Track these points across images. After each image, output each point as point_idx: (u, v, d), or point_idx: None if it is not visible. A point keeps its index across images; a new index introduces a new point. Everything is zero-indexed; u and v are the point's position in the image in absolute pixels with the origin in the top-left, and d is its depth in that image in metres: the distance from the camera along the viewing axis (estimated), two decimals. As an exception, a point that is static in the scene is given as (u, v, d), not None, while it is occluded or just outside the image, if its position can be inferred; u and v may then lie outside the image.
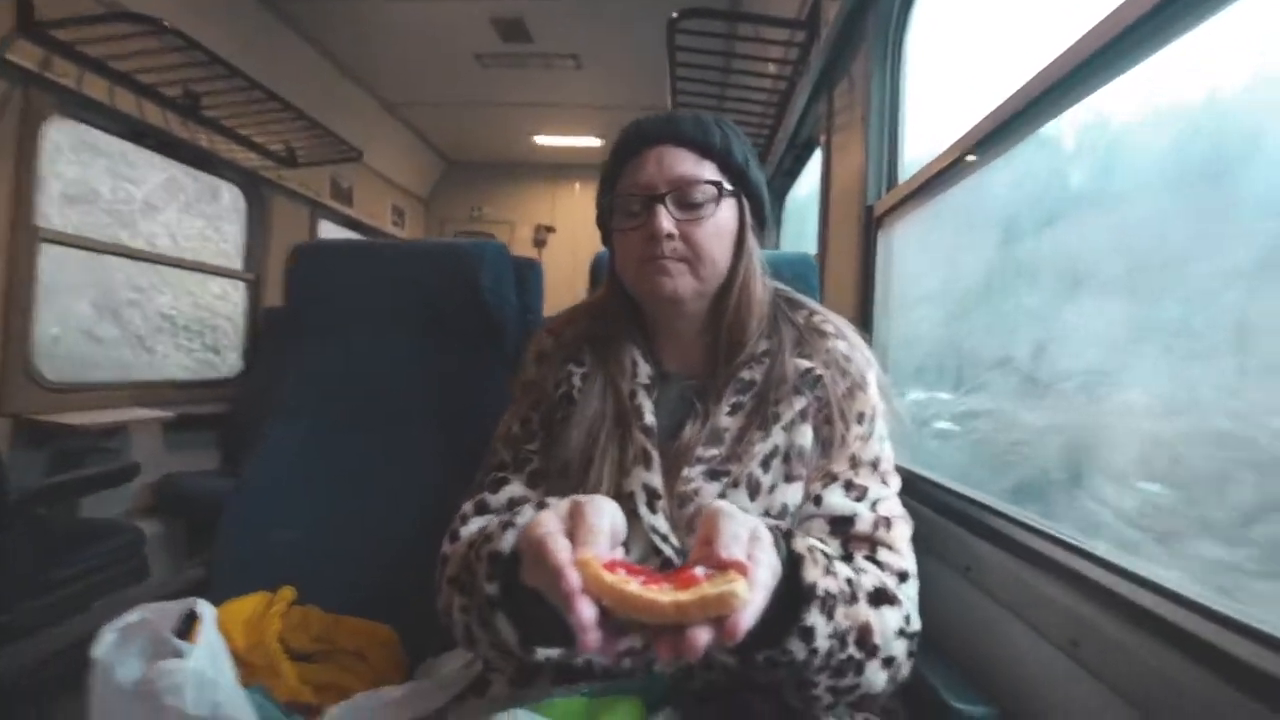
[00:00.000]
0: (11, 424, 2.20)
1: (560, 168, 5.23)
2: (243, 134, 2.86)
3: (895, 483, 0.78)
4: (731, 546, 0.50)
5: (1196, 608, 0.57)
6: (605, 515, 0.53)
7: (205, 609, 0.71)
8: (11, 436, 2.20)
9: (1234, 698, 0.51)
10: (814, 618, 0.56)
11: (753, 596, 0.47)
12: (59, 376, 2.41)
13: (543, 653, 0.60)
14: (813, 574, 0.57)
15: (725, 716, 0.72)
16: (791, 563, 0.57)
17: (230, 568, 1.14)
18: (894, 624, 0.65)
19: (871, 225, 1.47)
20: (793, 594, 0.56)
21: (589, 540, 0.50)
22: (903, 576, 0.70)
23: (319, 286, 1.24)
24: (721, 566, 0.48)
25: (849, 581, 0.61)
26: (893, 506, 0.75)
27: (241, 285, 3.32)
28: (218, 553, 1.15)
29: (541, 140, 4.74)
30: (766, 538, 0.53)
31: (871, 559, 0.70)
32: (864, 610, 0.62)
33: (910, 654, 0.67)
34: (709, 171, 0.79)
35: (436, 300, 1.21)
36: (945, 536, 0.98)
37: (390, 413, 1.19)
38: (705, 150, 0.79)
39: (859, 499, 0.73)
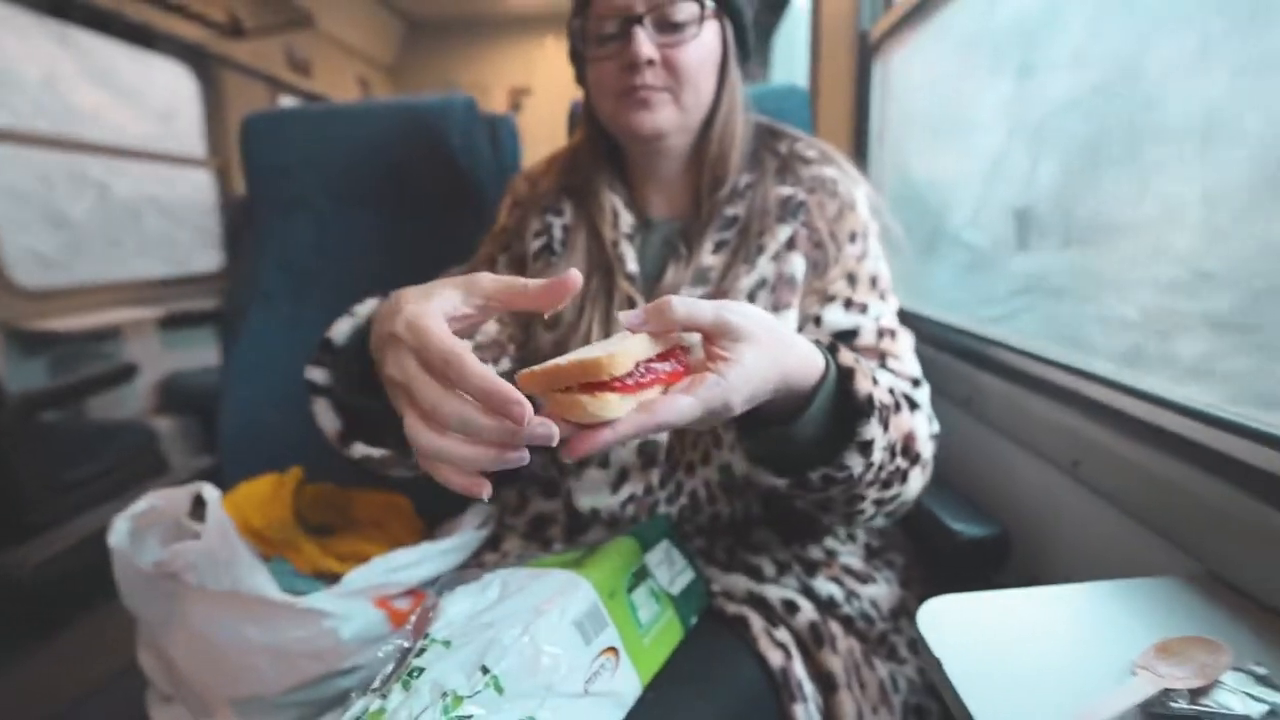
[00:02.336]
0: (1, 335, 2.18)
1: (531, 22, 4.83)
2: (175, 3, 2.60)
3: (894, 301, 0.76)
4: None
5: (1192, 413, 0.57)
6: None
7: (210, 492, 0.71)
8: (3, 347, 2.18)
9: (1228, 494, 0.51)
10: (873, 430, 0.53)
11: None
12: (38, 283, 2.35)
13: (361, 450, 0.58)
14: (865, 385, 0.53)
15: (732, 548, 0.75)
16: (841, 376, 0.54)
17: (237, 456, 1.15)
18: (924, 428, 0.66)
19: (867, 52, 1.36)
20: (844, 408, 0.54)
21: None
22: (915, 382, 0.70)
23: (278, 160, 1.16)
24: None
25: (890, 391, 0.60)
26: (892, 319, 0.74)
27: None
28: (223, 443, 1.16)
29: (507, -10, 4.33)
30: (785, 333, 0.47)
31: (884, 368, 0.70)
32: (907, 418, 0.61)
33: (933, 455, 0.68)
34: None
35: (405, 164, 1.13)
36: (946, 370, 0.98)
37: (369, 287, 1.15)
38: None
39: (861, 313, 0.72)
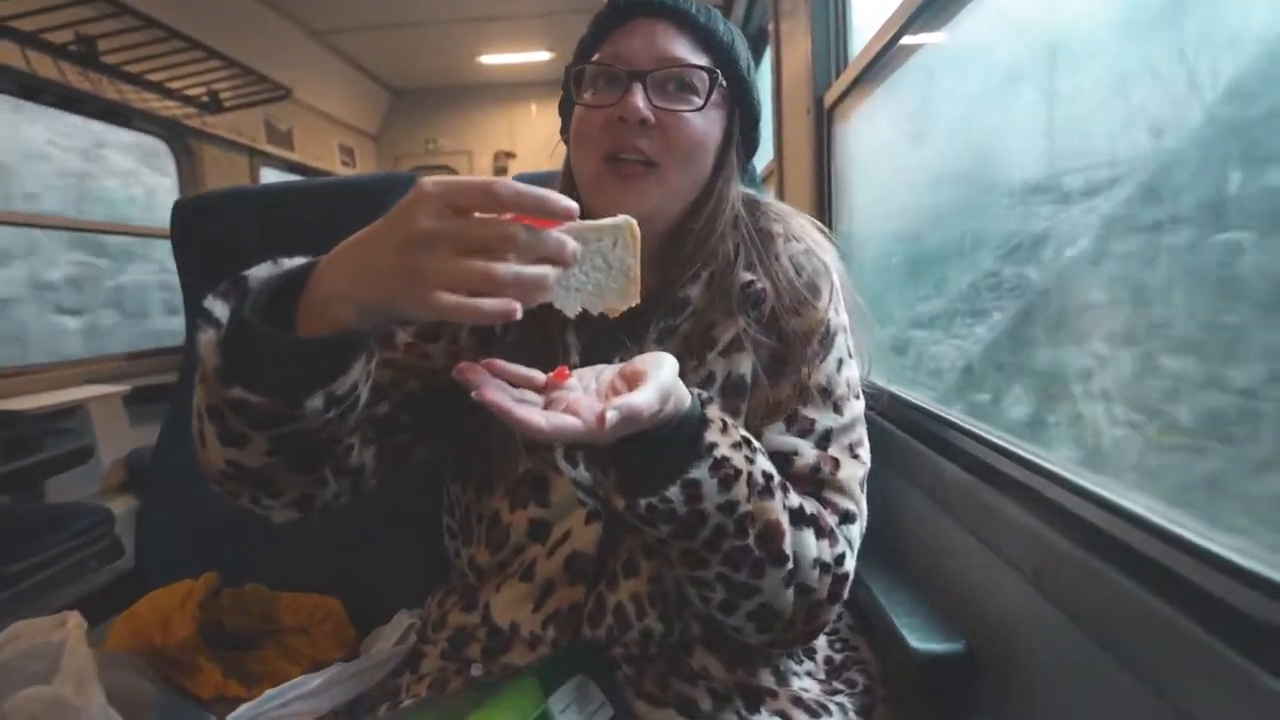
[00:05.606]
0: (-46, 417, 2.11)
1: (513, 88, 4.93)
2: (154, 80, 2.63)
3: (853, 408, 0.68)
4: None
5: (1159, 533, 0.50)
6: None
7: (74, 626, 0.64)
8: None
9: (1199, 636, 0.43)
10: (701, 473, 0.52)
11: None
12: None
13: (236, 392, 0.49)
14: (713, 436, 0.53)
15: (665, 678, 0.66)
16: (700, 424, 0.53)
17: (158, 553, 1.07)
18: (814, 551, 0.58)
19: (823, 118, 1.34)
20: (692, 454, 0.53)
21: None
22: (845, 517, 0.63)
23: (210, 249, 1.11)
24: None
25: (765, 475, 0.56)
26: (846, 438, 0.66)
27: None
28: (142, 538, 1.08)
29: (488, 60, 4.43)
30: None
31: (813, 497, 0.63)
32: (776, 510, 0.55)
33: (834, 596, 0.60)
34: (705, 60, 0.66)
35: (343, 245, 1.08)
36: (911, 454, 0.92)
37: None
38: (707, 40, 0.67)
39: (803, 434, 0.65)
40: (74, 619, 0.65)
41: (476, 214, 0.43)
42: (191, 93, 2.83)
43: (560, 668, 0.63)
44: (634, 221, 0.49)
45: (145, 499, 1.10)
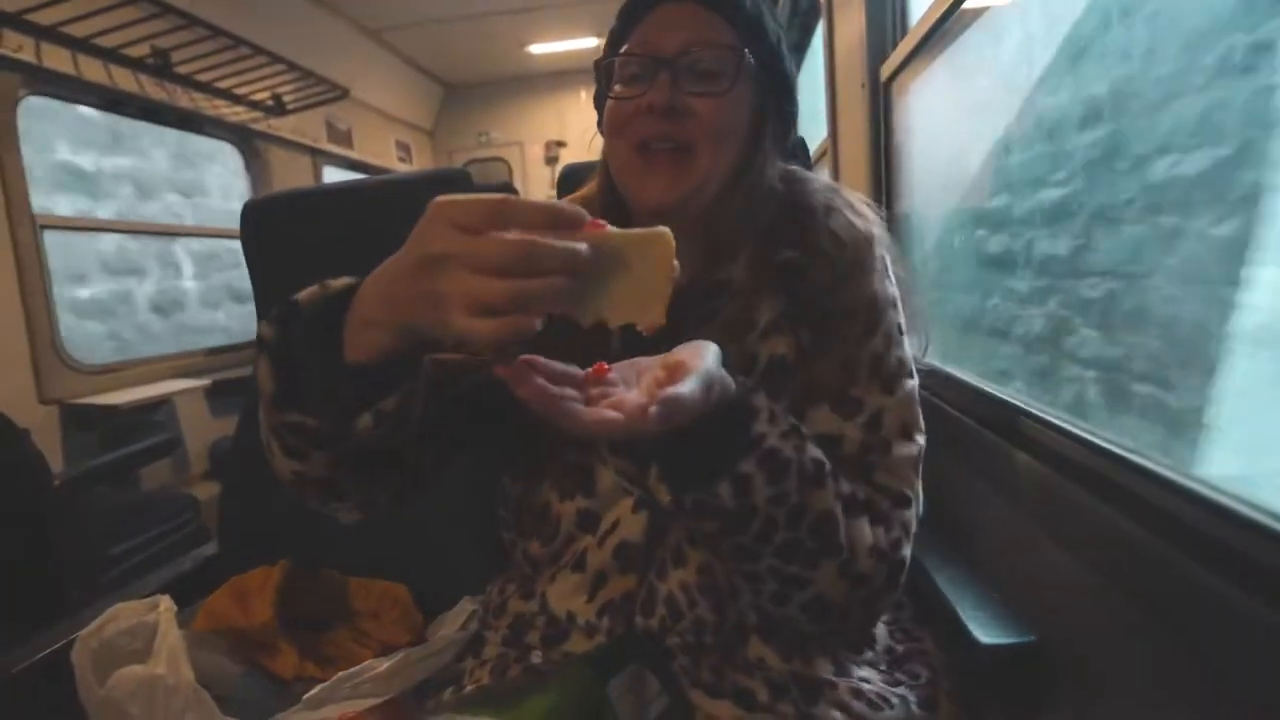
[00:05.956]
0: (59, 411, 2.28)
1: (562, 76, 4.95)
2: (223, 88, 2.75)
3: (905, 386, 0.65)
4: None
5: (1247, 525, 0.47)
6: None
7: (165, 609, 0.68)
8: (61, 423, 2.28)
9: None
10: (750, 466, 0.51)
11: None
12: (94, 360, 2.47)
13: (292, 416, 0.52)
14: (762, 427, 0.52)
15: (720, 668, 0.66)
16: (747, 414, 0.52)
17: (237, 539, 1.13)
18: (869, 539, 0.57)
19: (879, 93, 1.29)
20: (740, 447, 0.52)
21: None
22: (899, 501, 0.61)
23: (280, 247, 1.16)
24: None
25: (816, 463, 0.55)
26: (895, 420, 0.63)
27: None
28: (222, 526, 1.14)
29: (536, 49, 4.45)
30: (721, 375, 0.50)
31: (865, 481, 0.61)
32: (828, 499, 0.55)
33: (891, 584, 0.59)
34: (731, 39, 0.66)
35: (404, 241, 1.11)
36: (975, 441, 0.88)
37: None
38: (732, 15, 0.66)
39: (851, 415, 0.63)
40: (165, 602, 0.69)
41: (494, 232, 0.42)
42: (257, 97, 2.95)
43: (617, 657, 0.63)
44: (669, 234, 0.45)
45: (225, 488, 1.16)
